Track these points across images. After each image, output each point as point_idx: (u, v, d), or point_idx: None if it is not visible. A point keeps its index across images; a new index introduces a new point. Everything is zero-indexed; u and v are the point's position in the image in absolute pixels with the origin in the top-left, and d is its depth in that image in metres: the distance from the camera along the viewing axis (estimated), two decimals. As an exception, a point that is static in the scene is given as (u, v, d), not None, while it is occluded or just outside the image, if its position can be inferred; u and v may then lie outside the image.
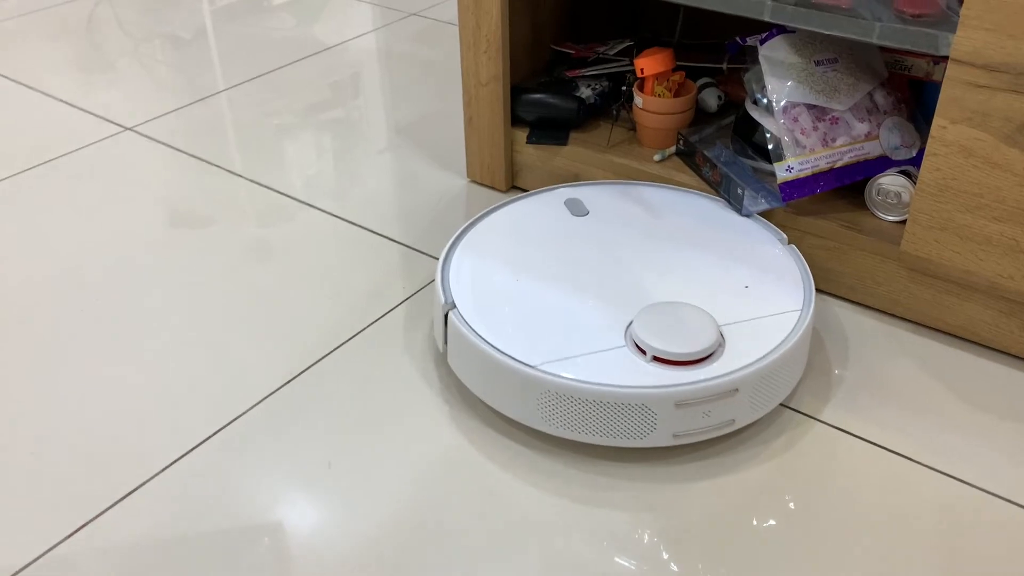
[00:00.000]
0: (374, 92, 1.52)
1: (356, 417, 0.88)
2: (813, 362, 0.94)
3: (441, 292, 0.89)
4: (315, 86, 1.54)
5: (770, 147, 1.00)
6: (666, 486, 0.80)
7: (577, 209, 1.00)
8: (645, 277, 0.91)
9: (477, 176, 1.24)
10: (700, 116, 1.17)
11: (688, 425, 0.79)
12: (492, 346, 0.82)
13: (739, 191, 1.01)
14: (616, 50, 1.23)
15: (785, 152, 0.98)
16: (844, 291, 1.02)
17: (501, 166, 1.20)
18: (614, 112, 1.17)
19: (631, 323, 0.84)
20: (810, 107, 0.99)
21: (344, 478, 0.81)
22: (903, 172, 0.97)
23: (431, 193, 1.23)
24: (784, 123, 0.99)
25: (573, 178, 1.16)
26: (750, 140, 1.08)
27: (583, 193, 1.05)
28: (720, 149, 1.09)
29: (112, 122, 1.42)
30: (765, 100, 1.01)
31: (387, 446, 0.84)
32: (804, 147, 0.99)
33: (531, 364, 0.80)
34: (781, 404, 0.88)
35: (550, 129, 1.17)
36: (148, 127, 1.41)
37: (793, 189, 0.98)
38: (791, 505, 0.78)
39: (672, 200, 1.04)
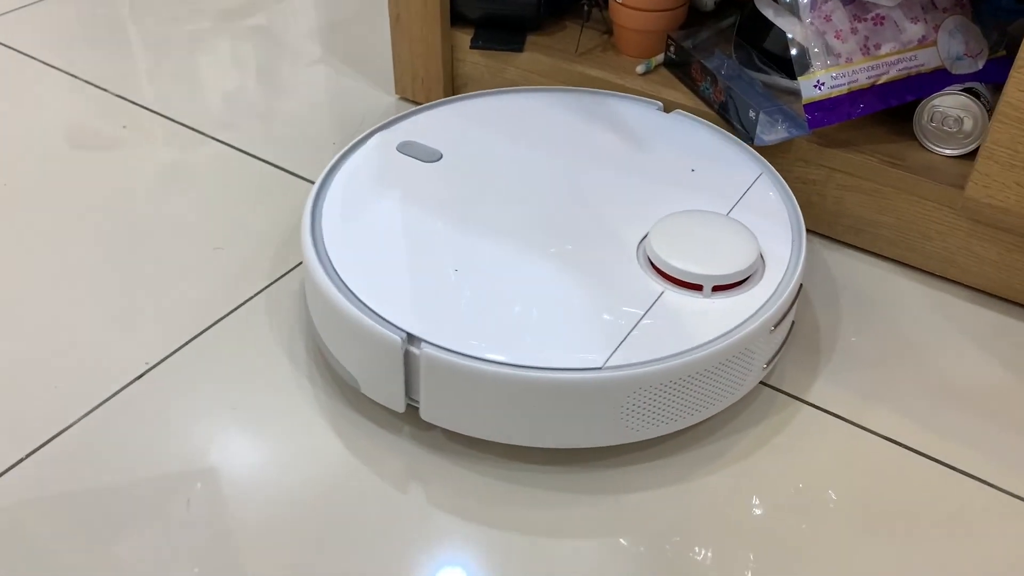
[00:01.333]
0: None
1: (219, 424, 0.64)
2: (831, 336, 0.72)
3: (376, 325, 0.60)
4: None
5: (792, 54, 0.75)
6: (615, 499, 0.58)
7: (424, 155, 0.75)
8: (600, 203, 0.72)
9: (408, 92, 0.98)
10: (695, 15, 0.93)
11: (773, 347, 0.66)
12: (529, 368, 0.58)
13: (751, 114, 0.76)
14: (587, -72, 0.97)
15: (813, 62, 0.74)
16: (882, 246, 0.79)
17: (438, 79, 0.94)
18: (585, 8, 0.92)
19: (651, 259, 0.66)
20: (847, 1, 0.75)
21: (200, 509, 0.58)
22: (967, 91, 0.74)
23: (351, 115, 0.97)
24: (812, 23, 0.74)
25: (531, 95, 0.91)
26: (760, 46, 0.84)
27: (530, 101, 0.82)
28: (721, 59, 0.84)
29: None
30: (787, -8, 0.76)
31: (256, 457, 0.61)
32: (839, 56, 0.74)
33: (597, 367, 0.58)
34: (784, 393, 0.68)
35: (501, 31, 0.94)
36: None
37: (823, 113, 0.75)
38: (788, 522, 0.57)
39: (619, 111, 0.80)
